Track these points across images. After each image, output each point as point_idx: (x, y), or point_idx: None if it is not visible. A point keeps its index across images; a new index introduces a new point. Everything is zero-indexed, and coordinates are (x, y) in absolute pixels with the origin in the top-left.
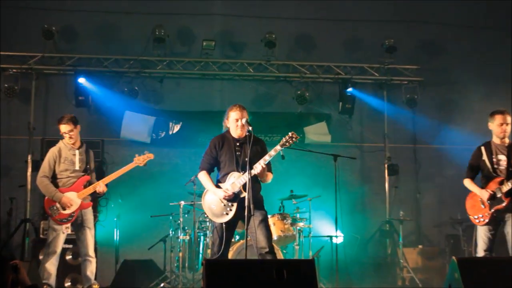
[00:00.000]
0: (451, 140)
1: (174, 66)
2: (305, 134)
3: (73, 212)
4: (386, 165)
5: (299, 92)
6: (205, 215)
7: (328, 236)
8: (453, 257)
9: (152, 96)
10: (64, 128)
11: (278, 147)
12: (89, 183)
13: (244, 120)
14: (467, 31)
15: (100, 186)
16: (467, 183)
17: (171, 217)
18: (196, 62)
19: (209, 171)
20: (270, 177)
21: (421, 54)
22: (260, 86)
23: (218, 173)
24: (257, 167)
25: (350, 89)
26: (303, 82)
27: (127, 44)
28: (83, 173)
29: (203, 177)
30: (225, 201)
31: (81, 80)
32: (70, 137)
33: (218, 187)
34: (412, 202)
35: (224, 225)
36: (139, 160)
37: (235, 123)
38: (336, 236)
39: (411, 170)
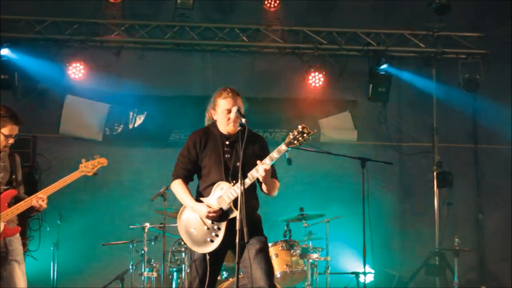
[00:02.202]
0: None
1: (136, 33)
2: (321, 129)
3: None
4: (435, 173)
5: (312, 70)
6: (181, 243)
7: (353, 273)
8: None
9: (105, 75)
10: None
11: (283, 147)
12: (16, 199)
13: (235, 110)
14: None
15: (39, 199)
16: None
17: (131, 246)
18: (167, 27)
19: (187, 180)
20: (276, 186)
21: (486, 16)
22: (258, 61)
23: (198, 183)
24: (258, 170)
25: (384, 66)
26: (318, 56)
27: (70, 2)
28: (6, 187)
29: (178, 188)
30: (209, 222)
31: (4, 52)
32: None
33: (200, 201)
34: (471, 225)
35: (207, 257)
36: (87, 167)
37: (225, 115)
38: (365, 273)
39: (471, 181)
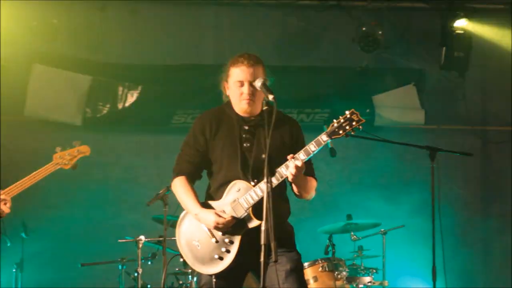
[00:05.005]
0: None
1: None
2: (376, 109)
3: None
4: None
5: (364, 29)
6: (183, 261)
7: None
8: None
9: (85, 36)
10: None
11: (323, 138)
12: None
13: (258, 83)
14: None
15: (3, 201)
16: None
17: (120, 267)
18: None
19: (192, 178)
20: (312, 186)
21: None
22: (291, 19)
23: (209, 183)
24: (288, 167)
25: (462, 22)
26: (372, 10)
27: None
28: None
29: (180, 187)
30: (218, 234)
31: None
32: None
33: (207, 206)
34: None
35: (213, 280)
36: (63, 158)
37: (238, 88)
38: None
39: None
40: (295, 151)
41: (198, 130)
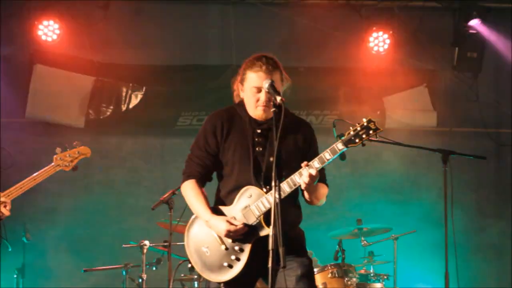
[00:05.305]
0: None
1: None
2: (387, 111)
3: None
4: None
5: (375, 29)
6: (191, 267)
7: None
8: None
9: (87, 36)
10: None
11: (339, 146)
12: None
13: (266, 85)
14: None
15: (0, 204)
16: None
17: (124, 272)
18: None
19: (203, 181)
20: (324, 193)
21: None
22: (299, 18)
23: (218, 186)
24: (302, 176)
25: (475, 22)
26: (383, 9)
27: None
28: None
29: (190, 191)
30: (228, 241)
31: None
32: None
33: (218, 212)
34: None
35: None
36: (64, 159)
37: (253, 94)
38: None
39: None
40: (308, 155)
41: (209, 130)
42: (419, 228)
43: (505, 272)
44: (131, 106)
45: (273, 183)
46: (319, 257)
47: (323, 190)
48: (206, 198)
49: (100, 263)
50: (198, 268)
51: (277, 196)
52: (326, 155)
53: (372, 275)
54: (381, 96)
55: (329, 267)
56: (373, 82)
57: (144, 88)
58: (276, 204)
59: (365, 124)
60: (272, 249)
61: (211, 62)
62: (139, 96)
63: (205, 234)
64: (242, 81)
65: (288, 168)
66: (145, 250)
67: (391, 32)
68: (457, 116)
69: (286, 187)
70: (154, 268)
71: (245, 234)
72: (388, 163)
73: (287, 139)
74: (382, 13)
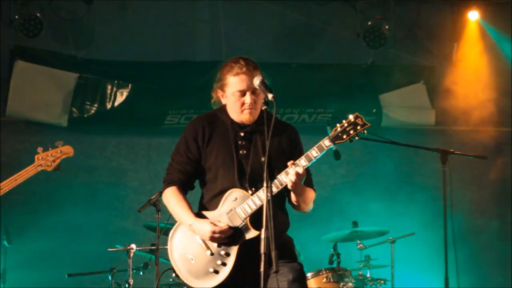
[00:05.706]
0: None
1: None
2: (383, 109)
3: None
4: None
5: (370, 23)
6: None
7: None
8: None
9: (70, 31)
10: None
11: (326, 143)
12: None
13: (257, 81)
14: None
15: None
16: None
17: (110, 277)
18: None
19: (184, 188)
20: (311, 197)
21: None
22: (291, 12)
23: (202, 194)
24: (289, 174)
25: (475, 15)
26: (379, 3)
27: None
28: None
29: (171, 198)
30: (213, 246)
31: None
32: None
33: (202, 217)
34: None
35: None
36: (46, 159)
37: (237, 98)
38: None
39: None
40: (293, 157)
41: (190, 136)
42: (417, 230)
43: (505, 272)
44: (116, 104)
45: (264, 184)
46: (311, 263)
47: (311, 194)
48: (189, 204)
49: (85, 268)
50: (183, 276)
51: (269, 195)
52: (313, 152)
53: (368, 279)
54: (377, 93)
55: (324, 272)
56: (368, 79)
57: (130, 85)
58: (268, 205)
59: (352, 120)
60: (264, 253)
61: (200, 58)
62: (125, 94)
63: (190, 241)
64: (223, 87)
65: (274, 169)
66: (131, 254)
67: (387, 26)
68: (456, 114)
69: (273, 187)
70: (141, 273)
71: (230, 237)
72: (385, 163)
73: (272, 141)
74: (378, 6)
